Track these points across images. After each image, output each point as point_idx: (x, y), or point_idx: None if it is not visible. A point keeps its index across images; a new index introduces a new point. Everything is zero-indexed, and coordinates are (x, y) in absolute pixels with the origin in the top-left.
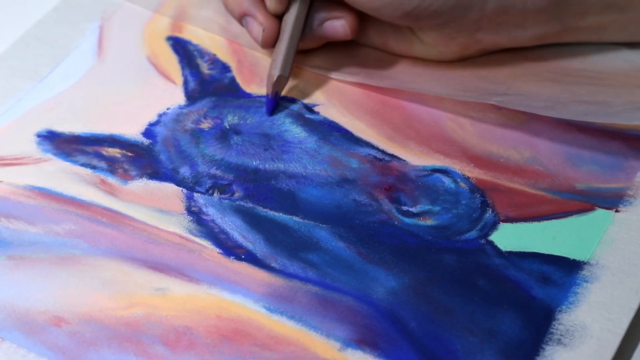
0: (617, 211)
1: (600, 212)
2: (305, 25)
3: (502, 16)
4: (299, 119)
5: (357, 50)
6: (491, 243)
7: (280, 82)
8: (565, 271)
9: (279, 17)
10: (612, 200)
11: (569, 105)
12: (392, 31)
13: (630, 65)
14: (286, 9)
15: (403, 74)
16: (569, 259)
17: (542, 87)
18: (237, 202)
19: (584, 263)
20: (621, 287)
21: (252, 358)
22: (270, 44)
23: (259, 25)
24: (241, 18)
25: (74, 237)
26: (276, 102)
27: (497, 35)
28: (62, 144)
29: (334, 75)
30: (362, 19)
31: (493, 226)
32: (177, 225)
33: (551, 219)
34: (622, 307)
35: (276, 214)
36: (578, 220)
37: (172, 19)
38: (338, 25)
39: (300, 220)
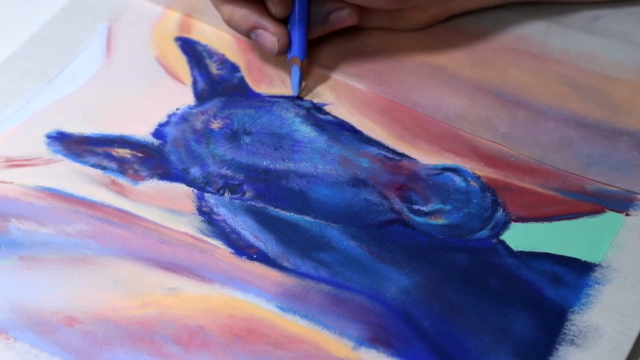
0: (627, 215)
1: (610, 215)
2: (310, 21)
3: None
4: (309, 118)
5: (368, 52)
6: (503, 243)
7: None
8: (577, 272)
9: (286, 21)
10: (623, 204)
11: (570, 149)
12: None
13: (636, 72)
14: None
15: (408, 87)
16: (581, 260)
17: (551, 100)
18: (248, 202)
19: (596, 265)
20: (633, 290)
21: (265, 357)
22: (285, 51)
23: (272, 35)
24: (249, 32)
25: (85, 237)
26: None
27: (468, 1)
28: (72, 144)
29: (341, 77)
30: None
31: (504, 225)
32: (188, 226)
33: (562, 219)
34: (634, 310)
35: (287, 213)
36: (589, 222)
37: (182, 14)
38: (344, 14)
39: (312, 219)
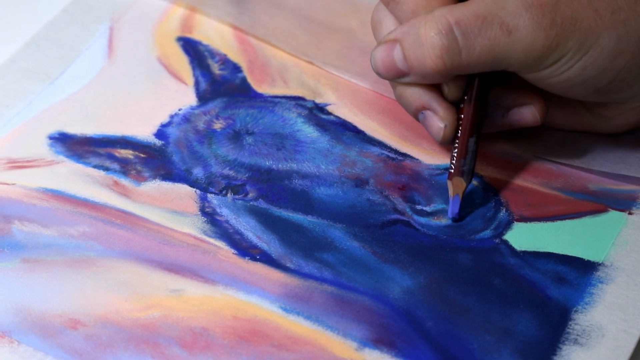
0: (630, 214)
1: (613, 214)
2: (486, 112)
3: None
4: (311, 118)
5: (370, 50)
6: (506, 242)
7: (460, 185)
8: (580, 272)
9: (457, 105)
10: (625, 203)
11: (573, 144)
12: (558, 107)
13: None
14: (464, 95)
15: None
16: (584, 259)
17: None
18: (251, 203)
19: (599, 264)
20: (636, 288)
21: (269, 358)
22: (451, 140)
23: (440, 120)
24: (418, 112)
25: (88, 239)
26: (459, 203)
27: None
28: (74, 145)
29: (343, 75)
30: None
31: (507, 225)
32: (191, 227)
33: (565, 219)
34: (638, 309)
35: (290, 214)
36: (591, 221)
37: (185, 10)
38: (527, 112)
39: (315, 220)
